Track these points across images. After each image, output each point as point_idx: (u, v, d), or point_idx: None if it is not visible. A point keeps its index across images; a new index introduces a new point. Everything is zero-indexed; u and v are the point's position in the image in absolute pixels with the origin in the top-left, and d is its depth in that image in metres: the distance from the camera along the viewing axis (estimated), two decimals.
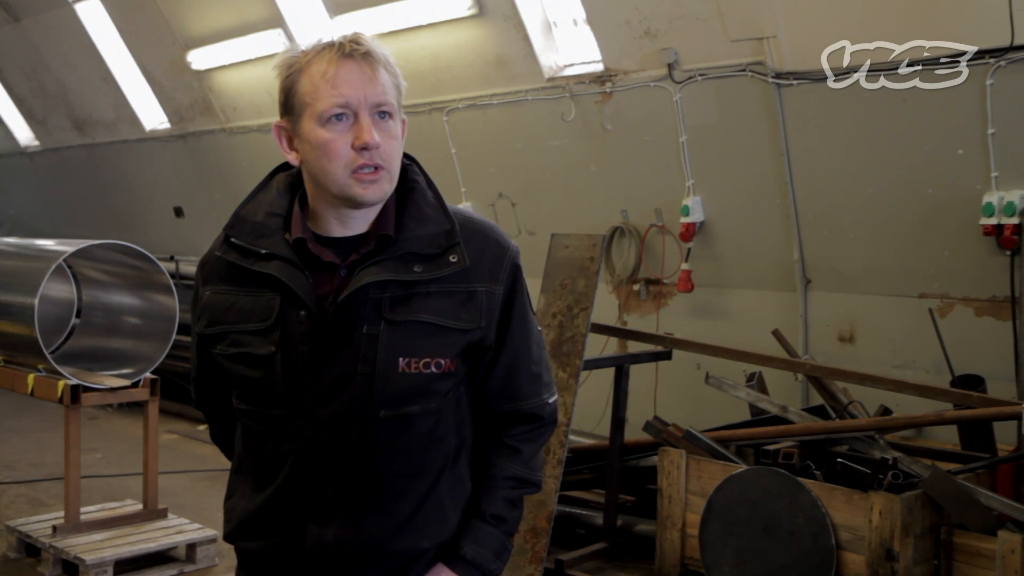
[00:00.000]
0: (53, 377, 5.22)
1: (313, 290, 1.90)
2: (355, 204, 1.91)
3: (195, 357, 2.14)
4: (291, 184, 2.03)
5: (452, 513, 2.00)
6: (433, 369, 1.92)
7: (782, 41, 5.56)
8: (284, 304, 1.91)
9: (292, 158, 1.97)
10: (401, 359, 1.89)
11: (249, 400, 1.98)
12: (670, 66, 6.14)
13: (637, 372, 5.79)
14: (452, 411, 1.99)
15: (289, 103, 1.93)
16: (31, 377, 5.37)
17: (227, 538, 2.09)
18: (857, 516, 4.26)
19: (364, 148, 1.86)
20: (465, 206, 7.40)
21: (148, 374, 5.44)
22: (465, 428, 2.04)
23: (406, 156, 2.02)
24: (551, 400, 2.10)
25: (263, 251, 1.94)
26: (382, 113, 1.89)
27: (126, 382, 5.34)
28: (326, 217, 1.96)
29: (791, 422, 4.97)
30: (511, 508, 2.05)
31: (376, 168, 1.88)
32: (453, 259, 1.93)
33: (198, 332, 2.05)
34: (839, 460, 4.60)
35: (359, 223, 1.96)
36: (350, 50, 1.87)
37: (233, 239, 1.98)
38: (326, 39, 1.90)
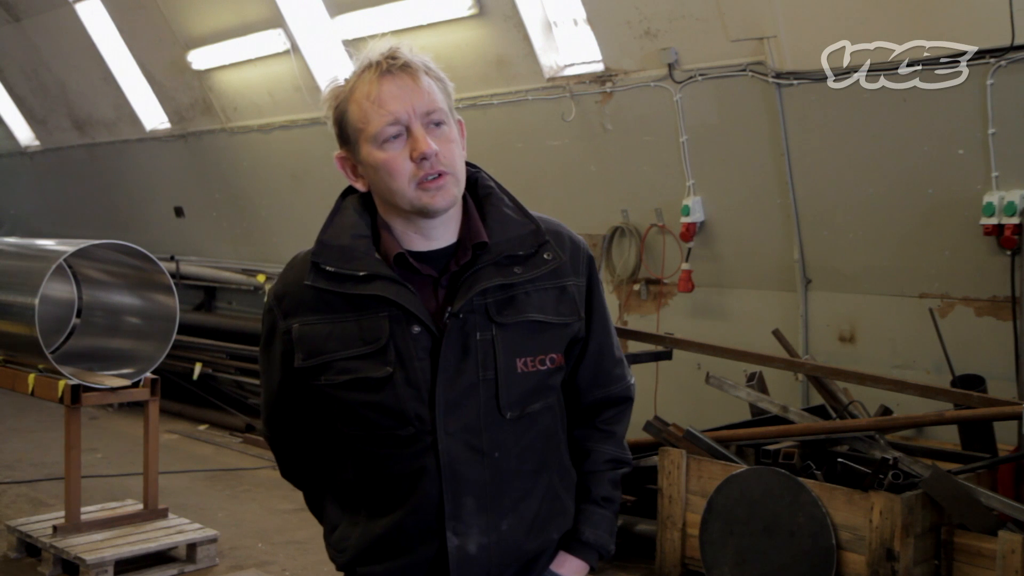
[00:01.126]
0: (53, 377, 5.22)
1: (423, 304, 1.92)
2: (428, 214, 1.92)
3: (274, 394, 2.11)
4: (366, 205, 2.03)
5: (568, 502, 2.07)
6: (548, 365, 1.98)
7: (782, 41, 5.56)
8: (393, 323, 1.91)
9: (359, 185, 2.00)
10: (519, 359, 1.95)
11: (368, 426, 1.96)
12: (670, 66, 6.14)
13: (637, 372, 5.73)
14: (558, 404, 2.07)
15: (344, 133, 1.95)
16: (31, 377, 5.37)
17: (342, 568, 2.07)
18: (857, 516, 4.26)
19: (423, 158, 1.87)
20: None
21: (148, 374, 5.44)
22: (564, 419, 2.11)
23: (471, 165, 2.05)
24: (632, 381, 2.21)
25: (361, 273, 1.92)
26: (434, 121, 1.91)
27: (126, 382, 5.34)
28: (408, 235, 1.97)
29: (791, 422, 4.97)
30: (615, 488, 2.14)
31: (440, 175, 1.90)
32: (548, 256, 1.99)
33: (295, 367, 1.99)
34: (839, 460, 4.60)
35: (443, 234, 1.98)
36: (387, 66, 1.89)
37: (324, 265, 1.95)
38: (364, 61, 1.91)
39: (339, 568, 2.08)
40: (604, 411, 2.14)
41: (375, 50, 1.91)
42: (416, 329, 1.90)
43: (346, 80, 1.94)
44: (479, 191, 2.04)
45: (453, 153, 1.92)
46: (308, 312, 1.97)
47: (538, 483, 2.00)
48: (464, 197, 2.01)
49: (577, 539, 2.06)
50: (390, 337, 1.91)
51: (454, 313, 1.90)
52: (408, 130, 1.88)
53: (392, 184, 1.90)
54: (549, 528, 2.02)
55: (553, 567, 2.04)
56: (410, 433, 1.92)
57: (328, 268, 1.94)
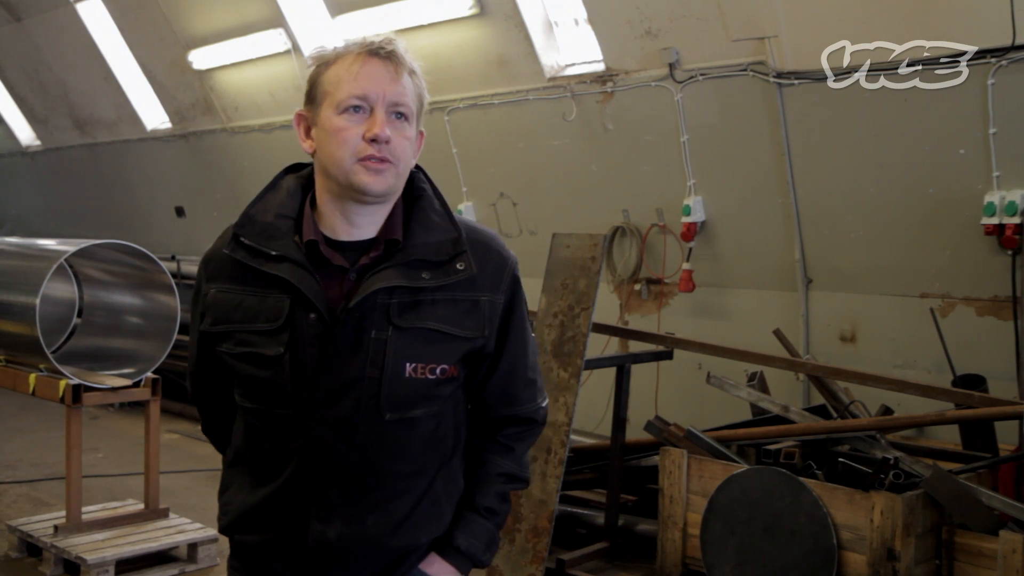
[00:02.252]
0: (54, 377, 5.22)
1: (323, 293, 1.93)
2: (360, 193, 1.93)
3: (194, 352, 2.17)
4: (302, 186, 2.06)
5: (447, 509, 2.06)
6: (438, 374, 1.97)
7: (783, 41, 5.56)
8: (293, 306, 1.94)
9: (307, 146, 2.02)
10: (408, 364, 1.94)
11: (255, 399, 2.01)
12: (671, 66, 6.14)
13: (638, 372, 5.79)
14: (451, 414, 2.06)
15: (312, 92, 1.99)
16: (32, 377, 5.37)
17: (223, 530, 2.12)
18: (858, 516, 4.26)
19: (374, 140, 1.90)
20: (466, 206, 7.43)
21: (149, 374, 5.45)
22: (461, 429, 2.11)
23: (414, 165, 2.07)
24: (544, 404, 2.19)
25: (273, 252, 1.96)
26: (398, 114, 1.94)
27: (127, 382, 5.34)
28: (333, 216, 1.99)
29: (792, 422, 4.97)
30: (502, 502, 2.13)
31: (383, 159, 1.92)
32: (460, 267, 1.98)
33: (201, 329, 2.06)
34: (840, 460, 4.60)
35: (367, 224, 1.99)
36: (377, 48, 1.94)
37: (243, 238, 2.00)
38: (360, 38, 1.96)
39: (220, 530, 2.12)
40: (507, 427, 2.14)
41: (374, 35, 1.97)
42: (312, 316, 1.92)
43: (335, 48, 1.98)
44: (413, 191, 2.04)
45: (404, 149, 1.95)
46: (225, 280, 2.02)
47: (413, 486, 2.00)
48: None
49: (449, 543, 2.05)
50: (289, 319, 1.93)
51: (348, 307, 1.91)
52: (371, 110, 1.92)
53: (336, 152, 1.92)
54: (419, 531, 2.02)
55: (422, 566, 2.05)
56: (289, 414, 1.95)
57: (246, 241, 1.99)
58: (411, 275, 1.94)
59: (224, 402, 2.16)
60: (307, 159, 2.11)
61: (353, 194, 1.94)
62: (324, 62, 1.97)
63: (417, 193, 2.05)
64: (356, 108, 1.91)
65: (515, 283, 2.08)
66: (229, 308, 2.00)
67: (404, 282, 1.93)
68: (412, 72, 1.97)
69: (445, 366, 1.97)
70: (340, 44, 1.98)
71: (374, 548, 1.99)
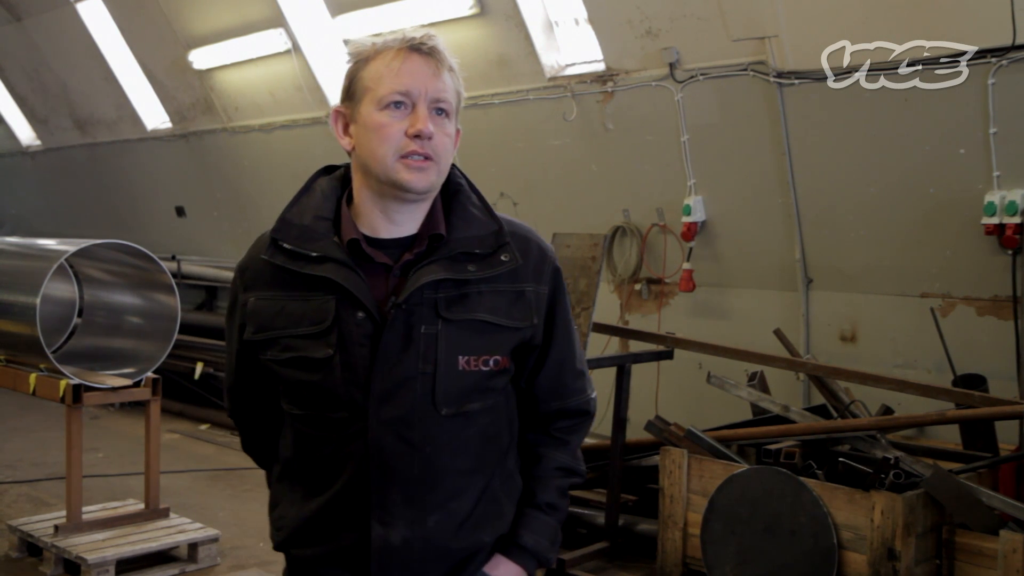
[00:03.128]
0: (55, 376, 5.22)
1: (370, 291, 1.91)
2: (401, 190, 1.91)
3: (232, 365, 2.13)
4: (335, 187, 2.04)
5: (507, 507, 2.04)
6: (491, 366, 1.95)
7: (783, 41, 5.56)
8: (339, 306, 1.91)
9: (345, 143, 1.99)
10: (461, 357, 1.92)
11: (305, 405, 1.97)
12: (671, 65, 6.14)
13: (639, 372, 5.79)
14: (504, 408, 2.04)
15: (351, 89, 1.96)
16: (33, 376, 5.37)
17: (278, 547, 2.07)
18: (859, 515, 4.26)
19: (417, 136, 1.88)
20: None
21: (150, 373, 5.44)
22: (514, 425, 2.09)
23: None
24: (593, 395, 2.17)
25: (314, 254, 1.93)
26: (439, 110, 1.92)
27: (128, 381, 5.34)
28: (373, 215, 1.97)
29: (793, 421, 4.97)
30: (562, 497, 2.10)
31: (425, 157, 1.90)
32: (505, 258, 1.97)
33: (244, 339, 2.02)
34: (841, 459, 4.60)
35: (407, 222, 1.97)
36: (419, 44, 1.91)
37: (281, 243, 1.96)
38: (399, 34, 1.94)
39: (275, 547, 2.08)
40: (559, 420, 2.11)
41: (412, 30, 1.95)
42: (360, 315, 1.90)
43: (374, 42, 1.95)
44: (449, 187, 2.03)
45: (445, 146, 1.93)
46: (264, 287, 1.99)
47: (473, 483, 1.97)
48: None
49: (515, 543, 2.02)
50: (335, 320, 1.91)
51: (398, 303, 1.89)
52: (413, 106, 1.90)
53: (377, 149, 1.90)
54: (481, 530, 1.99)
55: (487, 569, 2.01)
56: (342, 417, 1.92)
57: (285, 245, 1.96)
58: (456, 268, 1.92)
59: (266, 416, 2.12)
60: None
61: (394, 191, 1.92)
62: (363, 58, 1.94)
63: (455, 188, 2.03)
64: (398, 104, 1.89)
65: (557, 274, 2.07)
66: (271, 315, 1.96)
67: (450, 275, 1.91)
68: (451, 69, 1.94)
69: (498, 357, 1.96)
70: (378, 40, 1.95)
71: (438, 550, 1.95)
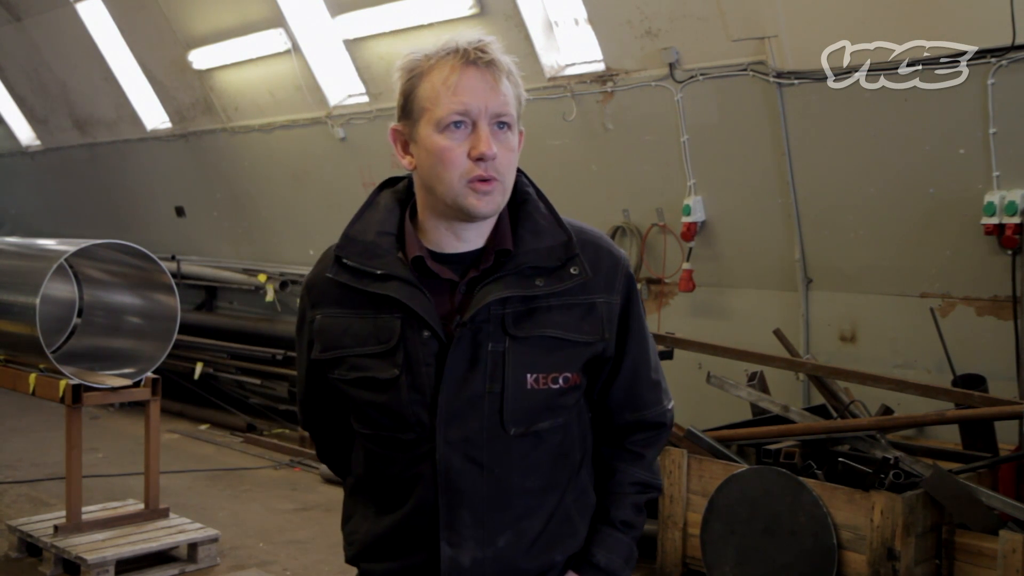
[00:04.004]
0: (55, 377, 5.23)
1: (435, 309, 1.87)
2: (468, 216, 1.87)
3: (303, 381, 2.11)
4: (399, 201, 1.99)
5: (580, 525, 1.99)
6: (561, 383, 1.90)
7: (783, 41, 5.56)
8: (405, 325, 1.88)
9: (406, 163, 1.93)
10: (529, 375, 1.87)
11: (373, 425, 1.95)
12: (671, 65, 6.14)
13: None
14: (576, 423, 1.99)
15: (408, 107, 1.90)
16: (33, 377, 5.38)
17: (350, 560, 2.06)
18: (858, 515, 4.26)
19: (480, 159, 1.82)
20: None
21: (149, 374, 5.45)
22: (587, 439, 2.03)
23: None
24: (670, 406, 2.10)
25: (379, 272, 1.89)
26: (501, 124, 1.86)
27: (127, 382, 5.34)
28: (438, 231, 1.92)
29: (792, 421, 4.97)
30: (638, 513, 2.06)
31: (491, 179, 1.84)
32: (574, 271, 1.90)
33: (312, 358, 1.99)
34: (840, 459, 4.60)
35: (474, 237, 1.93)
36: (475, 57, 1.84)
37: (345, 260, 1.92)
38: (451, 44, 1.86)
39: (348, 560, 2.07)
40: (635, 433, 2.05)
41: (464, 37, 1.86)
42: (426, 334, 1.86)
43: (426, 56, 1.87)
44: (517, 196, 1.96)
45: (510, 162, 1.88)
46: (331, 304, 1.96)
47: (544, 502, 1.93)
48: None
49: (588, 560, 1.98)
50: (401, 339, 1.87)
51: (463, 322, 1.85)
52: (474, 125, 1.84)
53: (443, 173, 1.84)
54: (553, 550, 1.94)
55: None
56: (410, 438, 1.89)
57: (349, 263, 1.92)
58: (524, 283, 1.87)
59: (338, 429, 2.10)
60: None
61: (461, 215, 1.87)
62: (417, 73, 1.87)
63: (522, 197, 1.97)
64: (458, 124, 1.83)
65: (630, 282, 2.00)
66: (338, 333, 1.93)
67: (518, 291, 1.86)
68: (510, 74, 1.88)
69: (568, 374, 1.90)
70: (431, 52, 1.87)
71: (509, 570, 1.91)
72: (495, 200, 1.87)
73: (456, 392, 1.86)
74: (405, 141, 1.93)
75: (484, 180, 1.84)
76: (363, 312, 1.91)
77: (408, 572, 1.94)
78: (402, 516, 1.93)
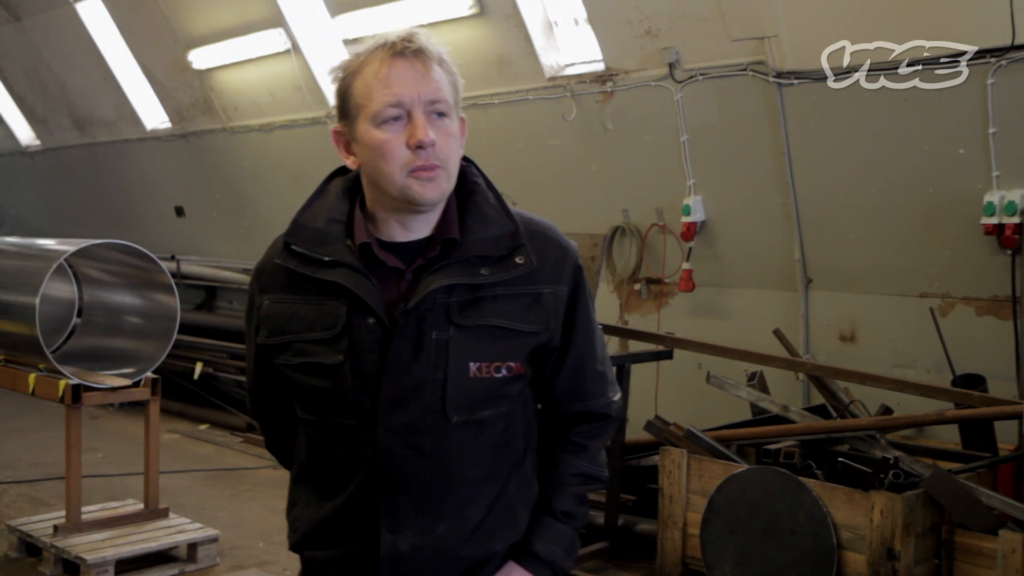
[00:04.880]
0: (54, 377, 5.22)
1: (380, 296, 1.88)
2: (414, 205, 1.88)
3: (252, 367, 2.12)
4: (349, 189, 2.00)
5: (522, 515, 2.00)
6: (504, 372, 1.91)
7: (783, 41, 5.56)
8: (351, 312, 1.88)
9: (350, 163, 1.95)
10: (472, 364, 1.88)
11: (316, 410, 1.96)
12: (671, 65, 6.14)
13: (638, 371, 5.78)
14: (520, 414, 1.99)
15: (344, 107, 1.91)
16: (32, 377, 5.37)
17: (293, 547, 2.07)
18: (858, 515, 4.26)
19: (419, 147, 1.83)
20: None
21: (149, 373, 5.44)
22: (532, 430, 2.04)
23: (464, 158, 2.00)
24: (616, 398, 2.10)
25: (327, 258, 1.90)
26: (438, 112, 1.87)
27: (127, 381, 5.34)
28: (387, 221, 1.94)
29: (792, 421, 4.97)
30: (580, 504, 2.06)
31: (433, 167, 1.85)
32: (519, 261, 1.91)
33: (258, 343, 2.01)
34: (840, 459, 4.60)
35: (421, 227, 1.94)
36: (401, 48, 1.85)
37: (294, 246, 1.94)
38: (380, 40, 1.87)
39: (291, 547, 2.08)
40: (580, 424, 2.06)
41: (393, 32, 1.88)
42: (371, 321, 1.87)
43: (357, 54, 1.89)
44: (465, 186, 1.98)
45: (450, 147, 1.88)
46: (279, 290, 1.97)
47: (486, 491, 1.93)
48: None
49: (528, 550, 1.98)
50: (346, 325, 1.88)
51: (407, 309, 1.86)
52: (409, 115, 1.84)
53: (384, 167, 1.85)
54: (493, 539, 1.95)
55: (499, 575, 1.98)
56: (353, 424, 1.90)
57: (298, 249, 1.93)
58: (470, 272, 1.88)
59: (286, 416, 2.10)
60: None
61: (408, 205, 1.88)
62: (350, 72, 1.88)
63: (470, 188, 1.98)
64: (395, 117, 1.84)
65: (578, 273, 2.01)
66: (284, 319, 1.95)
67: (463, 279, 1.87)
68: (441, 61, 1.88)
69: (511, 364, 1.91)
70: (361, 50, 1.88)
71: (448, 558, 1.92)
72: (440, 187, 1.87)
73: (399, 379, 1.86)
74: (347, 141, 1.94)
75: (425, 168, 1.84)
76: (310, 298, 1.92)
77: (349, 559, 1.95)
78: (343, 502, 1.93)
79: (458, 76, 1.92)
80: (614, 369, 2.23)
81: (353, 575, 1.95)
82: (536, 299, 1.94)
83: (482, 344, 1.89)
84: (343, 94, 1.91)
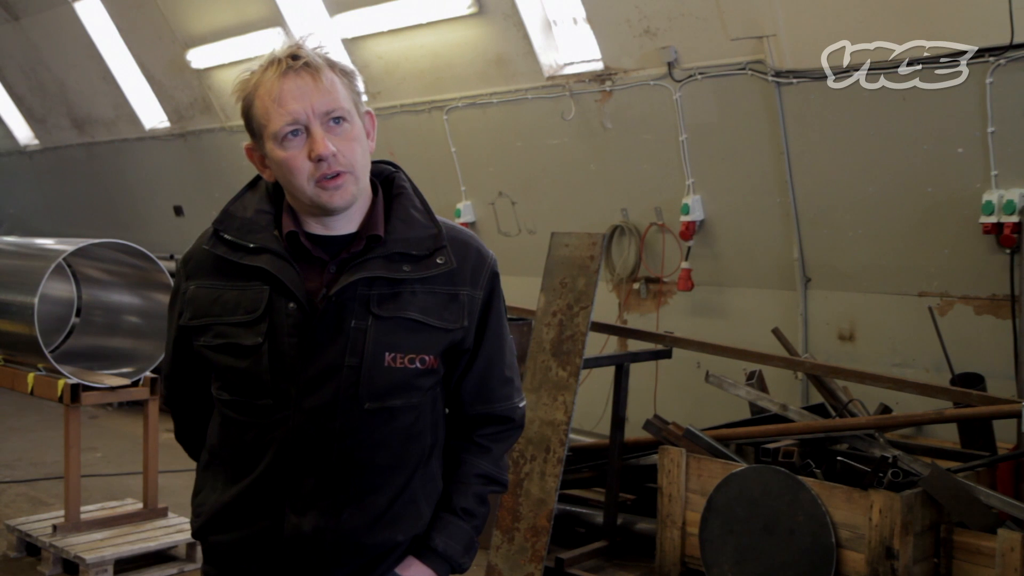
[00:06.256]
0: (53, 376, 5.22)
1: (303, 283, 1.95)
2: (327, 211, 1.96)
3: (170, 352, 2.17)
4: (278, 184, 2.07)
5: (425, 508, 2.06)
6: (418, 364, 1.98)
7: (782, 40, 5.56)
8: (273, 296, 1.95)
9: (267, 175, 2.04)
10: (387, 353, 1.95)
11: (233, 390, 2.00)
12: (670, 65, 6.14)
13: (637, 371, 5.79)
14: (430, 409, 2.06)
15: (250, 126, 1.99)
16: (31, 376, 5.37)
17: (196, 534, 2.10)
18: (857, 514, 4.26)
19: (320, 159, 1.90)
20: (465, 205, 7.43)
21: (148, 373, 5.44)
22: (439, 427, 2.11)
23: (391, 165, 2.11)
24: (521, 404, 2.18)
25: (252, 245, 1.98)
26: (335, 119, 1.93)
27: (126, 381, 5.34)
28: (308, 221, 2.02)
29: (791, 420, 4.97)
30: (480, 504, 2.11)
31: (337, 175, 1.92)
32: (440, 261, 2.00)
33: (180, 325, 2.06)
34: (839, 458, 4.60)
35: (342, 224, 2.01)
36: (287, 66, 1.91)
37: (223, 234, 2.01)
38: (269, 56, 1.94)
39: (193, 534, 2.11)
40: (484, 427, 2.13)
41: (280, 49, 1.94)
42: (291, 306, 1.93)
43: (252, 73, 1.96)
44: (393, 189, 2.07)
45: (353, 152, 1.94)
46: (206, 276, 2.03)
47: (391, 480, 2.00)
48: (376, 191, 2.06)
49: (427, 545, 2.04)
50: (267, 309, 1.95)
51: (328, 296, 1.93)
52: (307, 129, 1.91)
53: (293, 180, 1.93)
54: (395, 529, 2.00)
55: (398, 569, 2.03)
56: (267, 404, 1.95)
57: (226, 236, 2.00)
58: (391, 267, 1.96)
59: (199, 405, 2.15)
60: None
61: (321, 211, 1.97)
62: (248, 94, 1.95)
63: (397, 191, 2.07)
64: (294, 133, 1.91)
65: (494, 279, 2.10)
66: (208, 302, 2.01)
67: (384, 274, 1.95)
68: (331, 67, 1.95)
69: (426, 356, 1.98)
70: (255, 69, 1.95)
71: (350, 544, 1.98)
72: (347, 191, 1.95)
73: (315, 362, 1.93)
74: (261, 156, 2.01)
75: (329, 177, 1.92)
76: (235, 283, 1.99)
77: (253, 540, 1.99)
78: (251, 482, 1.98)
79: (353, 77, 1.99)
80: (522, 378, 2.30)
81: (256, 559, 2.00)
82: (453, 298, 2.02)
83: (399, 335, 1.96)
84: (246, 115, 1.98)
